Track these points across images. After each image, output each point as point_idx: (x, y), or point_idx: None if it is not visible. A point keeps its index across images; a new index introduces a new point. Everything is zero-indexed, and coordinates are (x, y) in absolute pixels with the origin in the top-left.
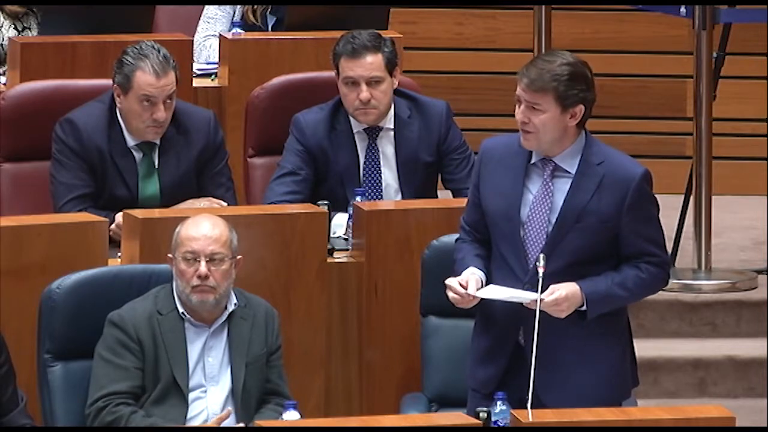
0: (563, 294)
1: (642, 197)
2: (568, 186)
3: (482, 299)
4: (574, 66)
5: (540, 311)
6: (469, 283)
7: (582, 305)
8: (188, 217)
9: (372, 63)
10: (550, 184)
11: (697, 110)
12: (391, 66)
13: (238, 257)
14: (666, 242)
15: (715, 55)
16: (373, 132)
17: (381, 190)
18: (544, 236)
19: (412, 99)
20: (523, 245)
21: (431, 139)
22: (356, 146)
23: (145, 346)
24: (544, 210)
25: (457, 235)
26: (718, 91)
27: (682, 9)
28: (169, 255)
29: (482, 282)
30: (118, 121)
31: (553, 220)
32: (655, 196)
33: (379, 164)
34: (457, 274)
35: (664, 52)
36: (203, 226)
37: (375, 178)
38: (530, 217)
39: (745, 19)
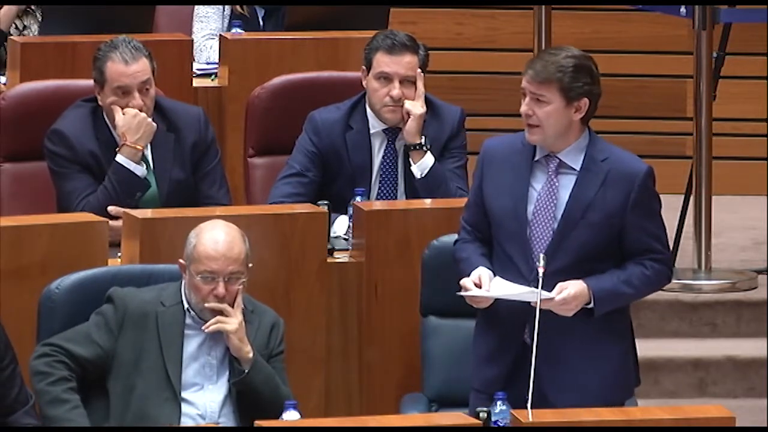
0: (571, 293)
1: (647, 194)
2: (572, 182)
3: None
4: (578, 59)
5: (544, 310)
6: (482, 279)
7: (589, 303)
8: (197, 221)
9: (409, 62)
10: (554, 180)
11: (697, 110)
12: (422, 70)
13: (250, 265)
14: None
15: (715, 55)
16: (393, 133)
17: (396, 190)
18: (550, 233)
19: (429, 102)
20: (530, 244)
21: (440, 143)
22: (371, 147)
23: (126, 335)
24: (549, 207)
25: (456, 235)
26: (718, 91)
27: (682, 9)
28: (181, 261)
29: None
30: (105, 122)
31: (559, 216)
32: (659, 194)
33: (397, 165)
34: (464, 274)
35: (664, 52)
36: (222, 243)
37: (391, 179)
38: (536, 215)
39: (745, 19)
